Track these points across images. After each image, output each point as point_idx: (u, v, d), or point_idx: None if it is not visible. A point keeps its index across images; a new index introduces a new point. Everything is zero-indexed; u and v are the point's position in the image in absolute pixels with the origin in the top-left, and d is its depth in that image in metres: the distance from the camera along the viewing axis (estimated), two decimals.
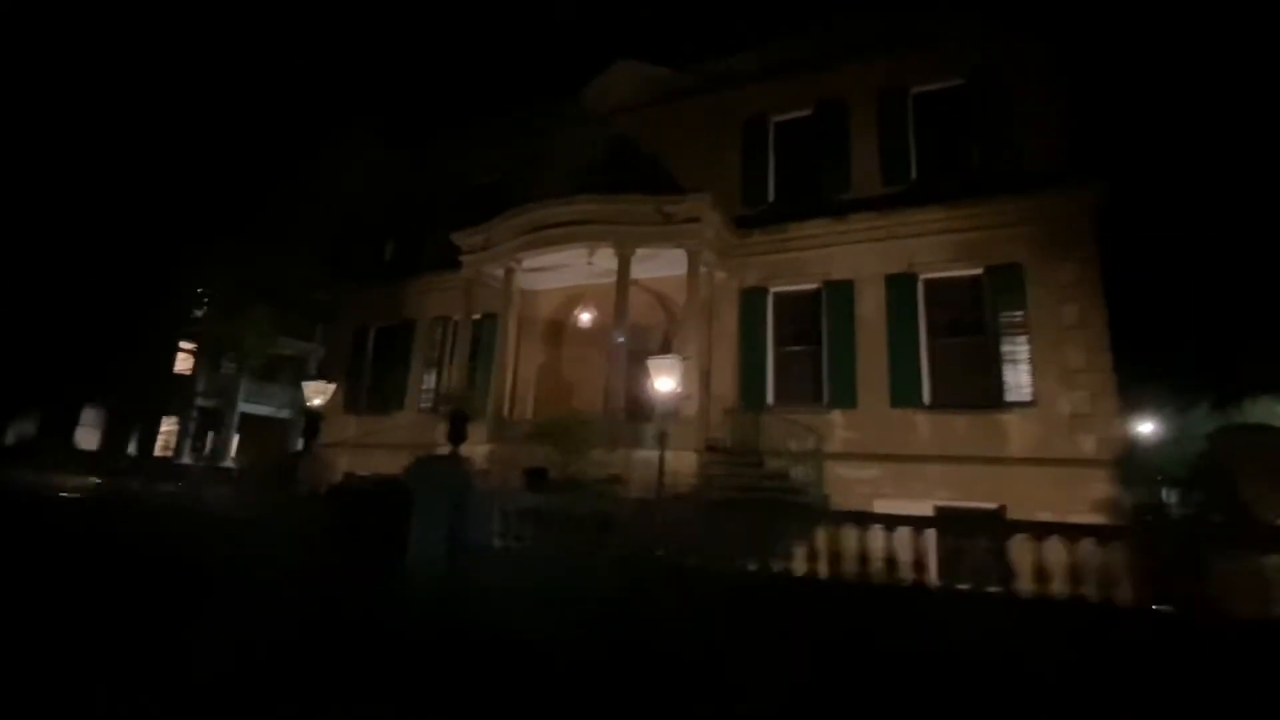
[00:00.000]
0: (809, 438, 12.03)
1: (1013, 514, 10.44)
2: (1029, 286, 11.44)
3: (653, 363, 8.75)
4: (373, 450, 17.03)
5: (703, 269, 13.90)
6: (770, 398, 13.10)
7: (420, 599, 6.83)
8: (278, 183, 19.43)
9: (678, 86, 15.87)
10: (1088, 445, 10.59)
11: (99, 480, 12.71)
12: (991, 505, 10.89)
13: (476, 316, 16.74)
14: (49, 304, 17.31)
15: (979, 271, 11.98)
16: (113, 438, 23.20)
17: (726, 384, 13.25)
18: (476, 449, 12.62)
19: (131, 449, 24.95)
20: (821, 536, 7.49)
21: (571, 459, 11.03)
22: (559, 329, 16.46)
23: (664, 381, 8.58)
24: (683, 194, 12.67)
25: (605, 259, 14.01)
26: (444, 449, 10.95)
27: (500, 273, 14.61)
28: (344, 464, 17.61)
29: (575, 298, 16.00)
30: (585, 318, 15.06)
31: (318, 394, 11.31)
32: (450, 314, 17.56)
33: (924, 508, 11.16)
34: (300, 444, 9.30)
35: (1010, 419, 11.18)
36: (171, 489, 11.88)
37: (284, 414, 30.66)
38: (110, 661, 6.03)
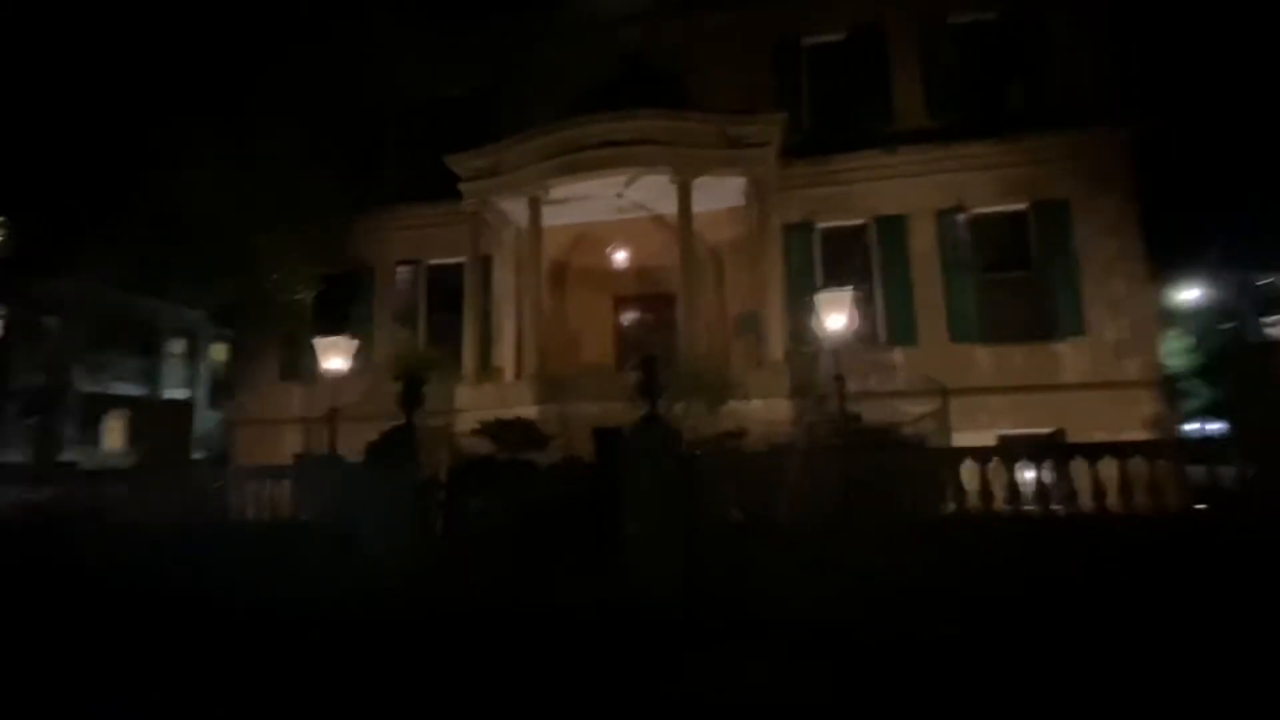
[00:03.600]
0: (870, 377, 11.80)
1: (1071, 437, 11.07)
2: (1075, 221, 11.92)
3: (820, 298, 7.72)
4: (320, 424, 14.01)
5: (745, 202, 12.90)
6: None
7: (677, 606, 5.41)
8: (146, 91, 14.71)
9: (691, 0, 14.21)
10: (1132, 369, 11.44)
11: None
12: (1049, 430, 11.48)
13: (444, 260, 14.40)
14: None
15: (1025, 206, 12.27)
16: None
17: (776, 325, 12.42)
18: (521, 411, 10.70)
19: None
20: (971, 474, 7.29)
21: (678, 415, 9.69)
22: (562, 272, 14.52)
23: (835, 319, 7.60)
24: (749, 114, 11.39)
25: (640, 190, 12.41)
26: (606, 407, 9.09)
27: (513, 205, 12.37)
28: (288, 442, 14.45)
29: (583, 237, 14.13)
30: (620, 257, 13.35)
31: (335, 353, 8.69)
32: (422, 256, 14.78)
33: (988, 437, 11.52)
34: (404, 417, 6.96)
35: (1063, 348, 11.74)
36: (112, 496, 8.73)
37: (130, 390, 24.81)
38: None
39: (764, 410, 10.40)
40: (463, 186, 12.46)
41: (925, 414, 9.22)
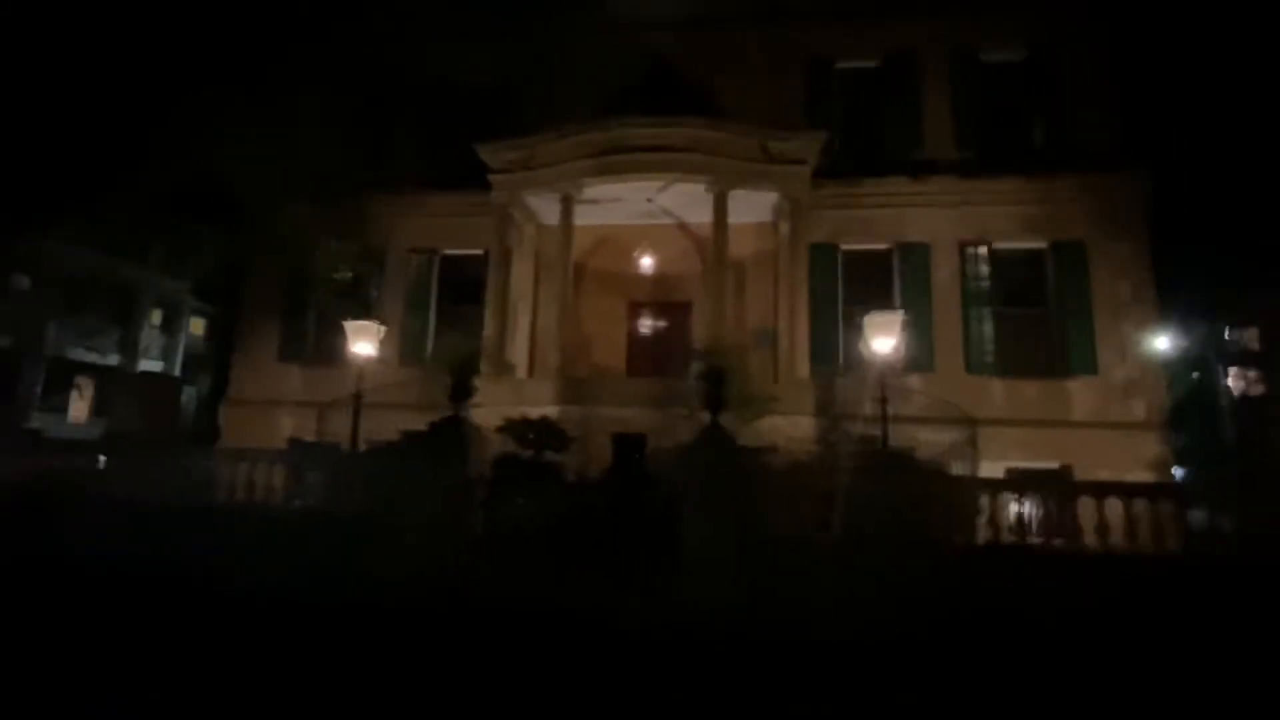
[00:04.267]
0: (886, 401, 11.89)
1: (1078, 474, 11.30)
2: (1091, 263, 12.23)
3: (870, 320, 7.73)
4: (330, 409, 13.55)
5: (771, 218, 12.97)
6: (841, 360, 12.66)
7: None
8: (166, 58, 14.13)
9: (724, 8, 14.25)
10: (1139, 410, 11.75)
11: None
12: (1055, 465, 11.70)
13: (459, 250, 14.17)
14: None
15: (1044, 245, 12.55)
16: None
17: (796, 344, 12.39)
18: (540, 411, 10.46)
19: None
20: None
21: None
22: (579, 274, 14.32)
23: (882, 341, 7.62)
24: (789, 130, 11.43)
25: (669, 197, 12.36)
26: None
27: (541, 200, 12.20)
28: (283, 425, 13.95)
29: (604, 240, 13.97)
30: (646, 263, 13.21)
31: (364, 338, 8.38)
32: (437, 245, 14.46)
33: (997, 469, 11.71)
34: (452, 408, 6.71)
35: (1074, 386, 12.00)
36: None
37: (110, 360, 23.77)
38: None
39: (788, 426, 10.38)
40: (493, 178, 12.23)
41: (959, 442, 9.28)
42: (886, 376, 8.14)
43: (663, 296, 14.41)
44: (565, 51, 14.34)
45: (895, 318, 7.87)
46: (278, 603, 5.82)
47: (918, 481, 8.08)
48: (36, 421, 20.53)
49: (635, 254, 13.21)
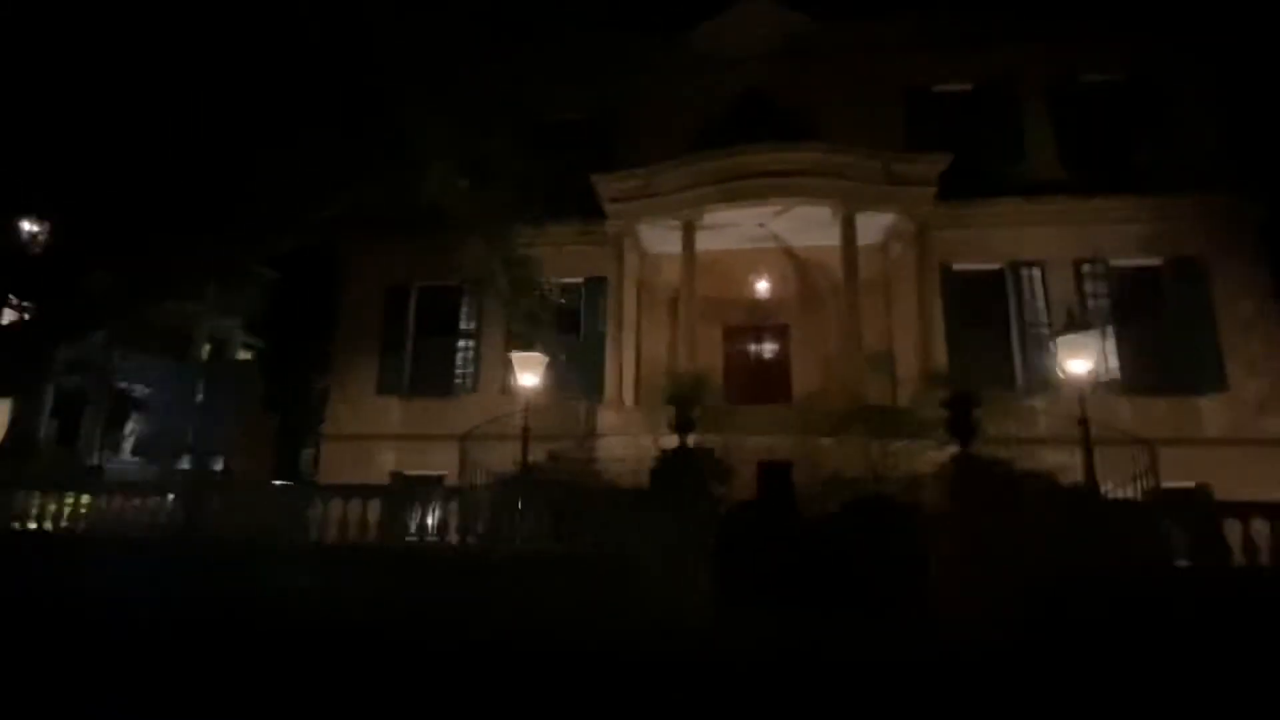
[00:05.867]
0: (1009, 423, 11.61)
1: (1216, 494, 11.03)
2: (1211, 280, 12.13)
3: (1064, 341, 7.59)
4: (431, 443, 13.34)
5: (882, 239, 12.92)
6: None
7: None
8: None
9: (817, 40, 14.41)
10: (1274, 427, 11.52)
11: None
12: (1190, 484, 11.41)
13: (564, 280, 14.09)
14: None
15: (1159, 262, 12.46)
16: None
17: (932, 368, 12.18)
18: (673, 441, 10.20)
19: None
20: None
21: (847, 453, 9.40)
22: (676, 300, 14.23)
23: (1077, 363, 7.45)
24: (911, 153, 11.43)
25: (783, 221, 12.34)
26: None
27: (651, 229, 12.16)
28: (386, 460, 13.72)
29: (704, 265, 13.85)
30: (762, 287, 13.11)
31: (529, 369, 8.20)
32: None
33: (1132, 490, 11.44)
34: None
35: (1204, 403, 11.80)
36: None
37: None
38: None
39: (936, 453, 10.14)
40: (609, 207, 12.22)
41: (1140, 472, 9.05)
42: (1084, 398, 7.91)
43: (760, 321, 14.33)
44: (660, 85, 14.44)
45: (1091, 339, 7.71)
46: (521, 655, 5.50)
47: (1106, 509, 7.86)
48: (95, 458, 20.30)
49: (751, 277, 13.13)
